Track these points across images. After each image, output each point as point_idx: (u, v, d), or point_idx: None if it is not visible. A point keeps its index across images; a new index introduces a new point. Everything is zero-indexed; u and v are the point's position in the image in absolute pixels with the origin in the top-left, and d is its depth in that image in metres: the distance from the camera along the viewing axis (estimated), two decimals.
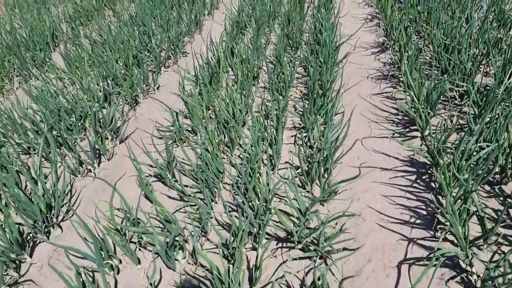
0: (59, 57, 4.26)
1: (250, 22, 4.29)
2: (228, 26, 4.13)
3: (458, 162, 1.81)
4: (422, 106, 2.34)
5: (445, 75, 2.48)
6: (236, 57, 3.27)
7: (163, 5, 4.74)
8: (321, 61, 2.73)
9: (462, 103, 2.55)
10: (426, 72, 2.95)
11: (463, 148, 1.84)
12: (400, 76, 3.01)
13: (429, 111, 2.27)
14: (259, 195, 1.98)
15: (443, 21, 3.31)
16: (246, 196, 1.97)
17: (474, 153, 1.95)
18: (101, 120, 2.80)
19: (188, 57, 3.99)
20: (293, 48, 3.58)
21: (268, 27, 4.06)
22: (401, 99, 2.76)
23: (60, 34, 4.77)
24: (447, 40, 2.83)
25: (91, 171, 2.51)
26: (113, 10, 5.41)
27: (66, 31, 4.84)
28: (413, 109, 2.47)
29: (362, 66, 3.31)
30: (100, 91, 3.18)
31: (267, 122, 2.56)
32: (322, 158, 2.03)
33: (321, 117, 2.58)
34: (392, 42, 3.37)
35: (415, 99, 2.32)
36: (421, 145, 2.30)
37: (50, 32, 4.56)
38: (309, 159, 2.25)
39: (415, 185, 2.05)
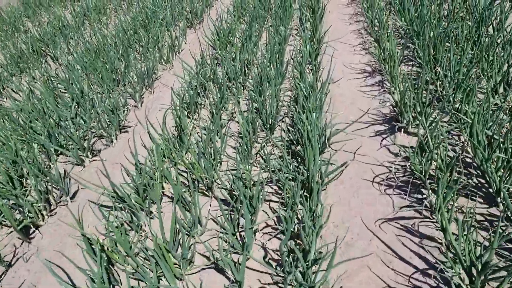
0: None
1: (213, 79, 3.29)
2: (183, 89, 3.12)
3: None
4: None
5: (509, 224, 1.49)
6: (183, 158, 2.26)
7: (101, 57, 3.71)
8: (303, 195, 1.73)
9: None
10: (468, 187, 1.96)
11: None
12: (423, 186, 2.02)
13: None
14: None
15: (479, 100, 2.34)
16: None
17: None
18: None
19: (130, 132, 2.98)
20: (267, 127, 2.58)
21: (236, 89, 3.06)
22: (432, 238, 1.75)
23: None
24: (495, 137, 1.85)
25: None
26: (53, 57, 4.40)
27: None
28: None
29: (363, 159, 2.31)
30: None
31: None
32: None
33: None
34: (405, 123, 2.38)
35: (465, 276, 1.31)
36: None
37: None
38: None
39: None
